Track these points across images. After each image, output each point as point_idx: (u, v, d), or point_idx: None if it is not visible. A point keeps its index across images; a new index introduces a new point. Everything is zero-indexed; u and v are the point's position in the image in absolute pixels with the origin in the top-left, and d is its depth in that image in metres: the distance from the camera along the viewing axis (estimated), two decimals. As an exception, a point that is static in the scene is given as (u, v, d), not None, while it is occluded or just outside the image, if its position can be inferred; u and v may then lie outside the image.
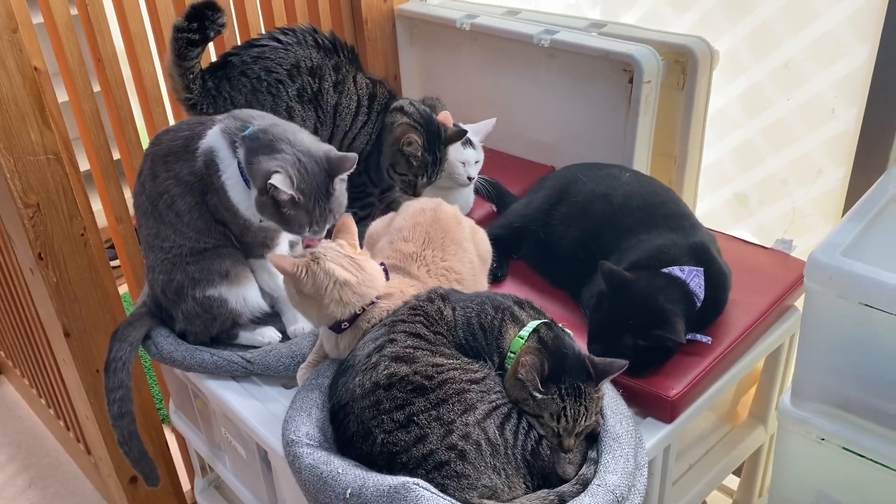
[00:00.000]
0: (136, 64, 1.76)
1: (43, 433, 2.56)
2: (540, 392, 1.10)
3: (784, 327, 1.48)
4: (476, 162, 1.72)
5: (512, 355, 1.16)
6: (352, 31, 2.07)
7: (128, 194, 1.86)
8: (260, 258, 1.44)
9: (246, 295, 1.42)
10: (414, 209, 1.42)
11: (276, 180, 1.22)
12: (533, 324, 1.18)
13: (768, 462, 1.70)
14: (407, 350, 1.13)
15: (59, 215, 1.62)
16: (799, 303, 1.51)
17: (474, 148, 1.72)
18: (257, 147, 1.27)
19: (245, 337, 1.46)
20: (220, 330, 1.45)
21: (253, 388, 1.39)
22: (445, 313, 1.20)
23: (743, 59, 1.75)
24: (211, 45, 1.60)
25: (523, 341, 1.16)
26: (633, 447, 1.14)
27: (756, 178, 1.84)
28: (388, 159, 1.60)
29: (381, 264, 1.28)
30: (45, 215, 1.60)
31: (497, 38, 1.90)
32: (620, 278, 1.30)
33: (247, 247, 1.42)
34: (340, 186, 1.29)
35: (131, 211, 1.83)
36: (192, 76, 1.50)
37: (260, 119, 1.33)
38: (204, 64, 1.56)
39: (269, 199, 1.26)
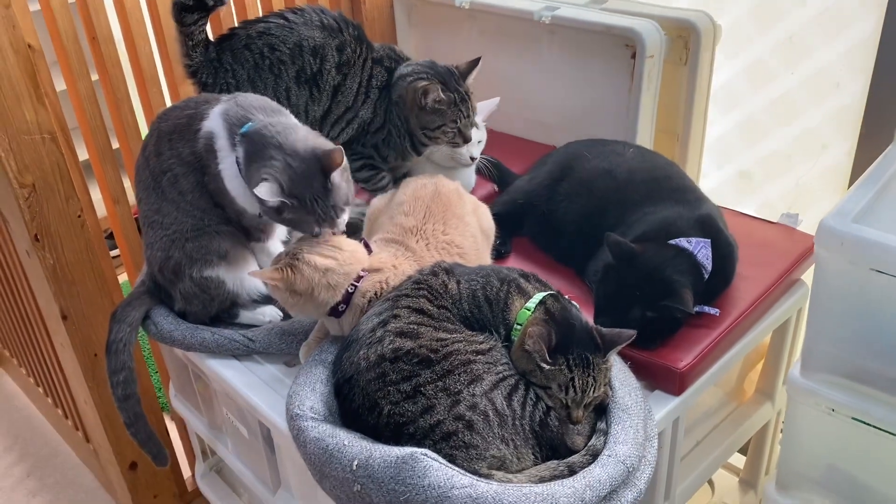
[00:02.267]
0: (133, 44, 1.74)
1: (41, 423, 2.54)
2: (547, 363, 1.09)
3: (791, 301, 1.46)
4: (479, 142, 1.70)
5: (518, 327, 1.14)
6: (349, 11, 2.04)
7: (125, 179, 1.84)
8: (258, 241, 1.43)
9: (243, 278, 1.40)
10: (415, 184, 1.41)
11: (261, 191, 1.20)
12: (539, 295, 1.16)
13: (775, 439, 1.69)
14: (411, 326, 1.12)
15: (55, 196, 1.60)
16: (806, 277, 1.49)
17: (477, 127, 1.69)
18: (253, 151, 1.25)
19: (246, 316, 1.44)
20: (219, 310, 1.43)
21: (255, 366, 1.37)
22: (450, 287, 1.18)
23: (746, 33, 1.74)
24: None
25: (530, 313, 1.14)
26: (643, 418, 1.13)
27: (760, 154, 1.82)
28: (419, 125, 1.55)
29: (362, 240, 1.28)
30: (41, 196, 1.58)
31: (497, 15, 1.88)
32: (627, 250, 1.29)
33: (245, 230, 1.41)
34: (340, 178, 1.26)
35: (128, 193, 1.81)
36: (192, 43, 1.48)
37: (260, 112, 1.30)
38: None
39: (269, 208, 1.24)
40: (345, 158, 1.25)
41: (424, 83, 1.50)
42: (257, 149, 1.24)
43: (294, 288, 1.20)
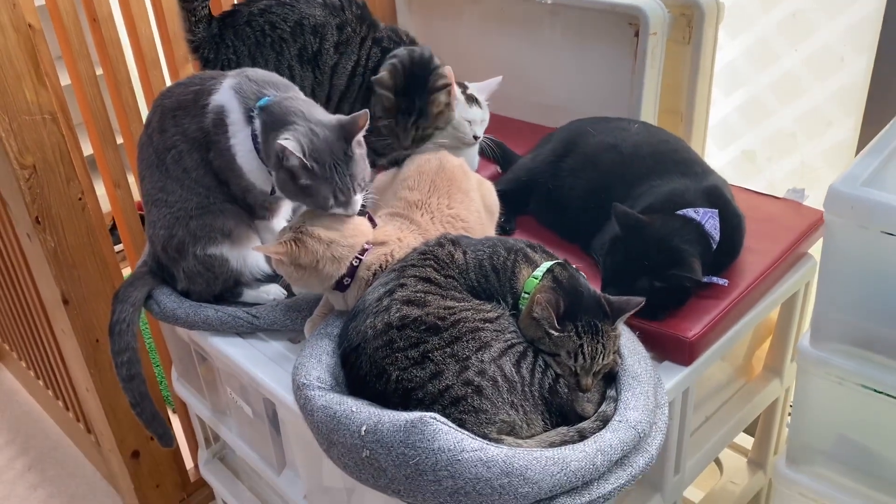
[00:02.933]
0: (133, 25, 1.73)
1: (41, 417, 2.52)
2: (556, 329, 1.07)
3: (799, 274, 1.45)
4: (482, 121, 1.68)
5: (526, 296, 1.13)
6: (350, -4, 2.04)
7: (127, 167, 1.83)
8: (262, 219, 1.41)
9: (246, 256, 1.39)
10: (419, 159, 1.40)
11: (286, 142, 1.18)
12: (547, 264, 1.16)
13: (783, 418, 1.68)
14: (418, 294, 1.11)
15: (56, 178, 1.58)
16: (813, 251, 1.48)
17: (480, 107, 1.69)
18: (272, 122, 1.24)
19: (250, 294, 1.43)
20: (223, 288, 1.41)
21: (259, 343, 1.36)
22: (456, 257, 1.17)
23: (749, 11, 1.73)
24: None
25: (537, 281, 1.13)
26: (653, 386, 1.12)
27: (764, 134, 1.82)
28: (374, 111, 1.51)
29: (366, 214, 1.27)
30: (42, 178, 1.57)
31: (498, -3, 1.88)
32: (634, 220, 1.28)
33: (249, 208, 1.39)
34: (359, 151, 1.25)
35: (129, 178, 1.80)
36: (194, 18, 1.48)
37: (272, 87, 1.29)
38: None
39: (286, 174, 1.22)
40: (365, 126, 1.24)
41: (382, 75, 1.47)
42: (277, 119, 1.23)
43: (299, 262, 1.19)
